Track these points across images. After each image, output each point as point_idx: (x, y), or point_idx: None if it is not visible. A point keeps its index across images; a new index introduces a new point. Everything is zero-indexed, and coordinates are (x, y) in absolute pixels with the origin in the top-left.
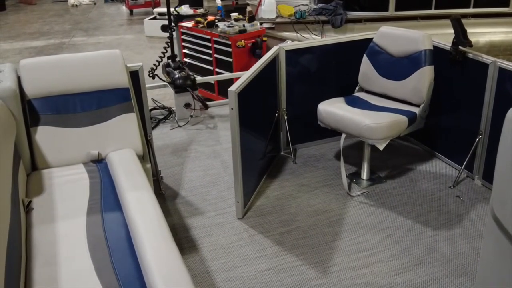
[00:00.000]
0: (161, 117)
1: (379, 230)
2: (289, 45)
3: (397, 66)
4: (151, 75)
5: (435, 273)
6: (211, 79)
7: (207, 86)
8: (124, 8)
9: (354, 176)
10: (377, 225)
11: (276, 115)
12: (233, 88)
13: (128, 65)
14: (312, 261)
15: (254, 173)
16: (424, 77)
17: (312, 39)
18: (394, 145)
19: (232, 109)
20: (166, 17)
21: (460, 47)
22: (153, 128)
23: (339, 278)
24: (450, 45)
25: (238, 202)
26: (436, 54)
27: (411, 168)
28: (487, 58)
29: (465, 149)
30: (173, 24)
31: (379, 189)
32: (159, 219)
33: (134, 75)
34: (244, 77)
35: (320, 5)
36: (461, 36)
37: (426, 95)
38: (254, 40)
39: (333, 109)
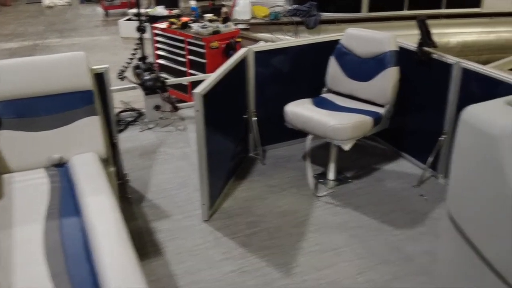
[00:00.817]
0: (130, 119)
1: (344, 230)
2: (258, 46)
3: (363, 67)
4: (120, 77)
5: (397, 272)
6: (183, 80)
7: (180, 87)
8: (99, 9)
9: (321, 177)
10: (342, 225)
11: (245, 116)
12: (198, 90)
13: (94, 67)
14: (277, 262)
15: (222, 175)
16: (389, 78)
17: (285, 40)
18: (361, 145)
19: (197, 111)
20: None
21: (424, 48)
22: (122, 130)
23: (302, 279)
24: (415, 46)
25: (204, 204)
26: (402, 55)
27: (377, 168)
28: (450, 59)
29: (430, 149)
30: (144, 25)
31: (345, 189)
32: (117, 223)
33: (100, 77)
34: (210, 79)
35: (295, 6)
36: (426, 37)
37: (391, 95)
38: (228, 41)
39: (300, 110)
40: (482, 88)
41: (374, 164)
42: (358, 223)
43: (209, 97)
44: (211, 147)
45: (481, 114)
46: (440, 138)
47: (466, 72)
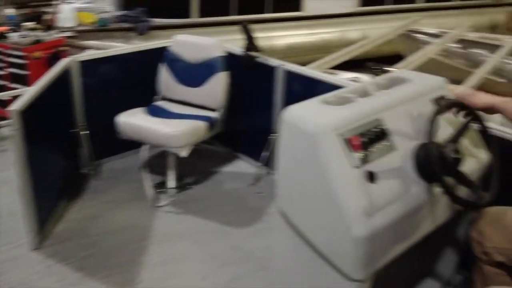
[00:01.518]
0: None
1: (186, 237)
2: (83, 55)
3: (194, 73)
4: None
5: (239, 270)
6: (2, 96)
7: (2, 103)
8: None
9: (161, 186)
10: (184, 232)
11: (74, 130)
12: (15, 106)
13: None
14: (118, 281)
15: (50, 196)
16: (219, 82)
17: (115, 47)
18: (198, 150)
19: (15, 129)
20: None
21: (250, 52)
22: None
23: None
24: (242, 50)
25: (31, 231)
26: (231, 60)
27: (216, 171)
28: (274, 62)
29: (263, 148)
30: None
31: (185, 196)
32: None
33: None
34: (28, 93)
35: (123, 12)
36: (250, 42)
37: (223, 99)
38: (53, 51)
39: (132, 120)
40: (303, 88)
41: (212, 168)
42: (200, 228)
43: (29, 113)
44: (35, 168)
45: (299, 113)
46: (270, 137)
47: (288, 74)
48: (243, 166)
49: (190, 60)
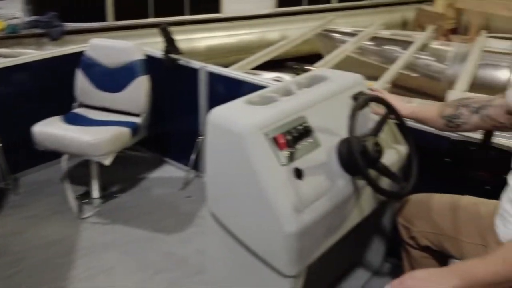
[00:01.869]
0: None
1: (115, 248)
2: None
3: (113, 78)
4: None
5: (174, 276)
6: None
7: None
8: None
9: (85, 197)
10: (113, 243)
11: None
12: None
13: None
14: None
15: None
16: (140, 86)
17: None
18: (123, 157)
19: None
20: None
21: (171, 54)
22: None
23: None
24: (162, 53)
25: None
26: (152, 63)
27: (143, 177)
28: (196, 63)
29: (191, 151)
30: None
31: (112, 205)
32: None
33: None
34: None
35: (34, 17)
36: (170, 44)
37: (145, 104)
38: None
39: (49, 129)
40: (227, 89)
41: (139, 174)
42: (129, 237)
43: None
44: None
45: (224, 114)
46: (197, 140)
47: (211, 75)
48: (171, 170)
49: (108, 65)
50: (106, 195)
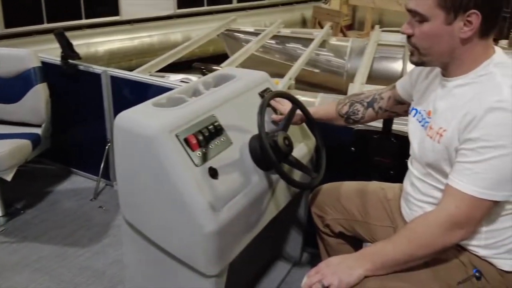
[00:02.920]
0: None
1: (25, 267)
2: None
3: (8, 88)
4: None
5: None
6: None
7: None
8: None
9: None
10: (22, 262)
11: None
12: None
13: None
14: None
15: None
16: (39, 95)
17: None
18: (26, 171)
19: None
20: None
21: (69, 60)
22: None
23: None
24: (60, 59)
25: None
26: (51, 70)
27: (50, 191)
28: (97, 68)
29: (99, 159)
30: None
31: (18, 223)
32: None
33: None
34: None
35: None
36: (68, 49)
37: (46, 113)
38: None
39: None
40: (133, 93)
41: (46, 188)
42: (40, 254)
43: None
44: None
45: (132, 118)
46: (106, 147)
47: (115, 80)
48: (79, 181)
49: (1, 75)
50: (11, 213)
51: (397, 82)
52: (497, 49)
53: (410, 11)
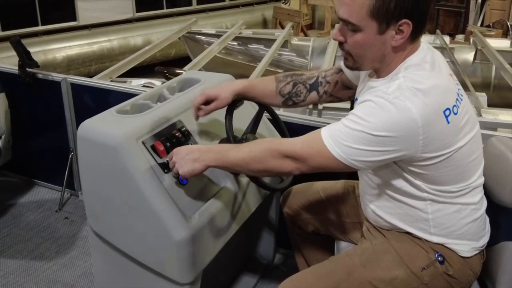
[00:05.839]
0: None
1: None
2: None
3: None
4: None
5: None
6: None
7: None
8: None
9: None
10: None
11: None
12: None
13: None
14: None
15: None
16: None
17: None
18: None
19: None
20: None
21: (27, 69)
22: None
23: None
24: (17, 68)
25: None
26: (7, 80)
27: (13, 204)
28: (57, 76)
29: (62, 169)
30: None
31: None
32: None
33: None
34: None
35: None
36: (25, 58)
37: (5, 124)
38: None
39: None
40: (95, 100)
41: (8, 201)
42: (6, 269)
43: None
44: None
45: (96, 127)
46: (69, 156)
47: (75, 87)
48: (43, 192)
49: None
50: None
51: (341, 65)
52: (421, 47)
53: (342, 20)
